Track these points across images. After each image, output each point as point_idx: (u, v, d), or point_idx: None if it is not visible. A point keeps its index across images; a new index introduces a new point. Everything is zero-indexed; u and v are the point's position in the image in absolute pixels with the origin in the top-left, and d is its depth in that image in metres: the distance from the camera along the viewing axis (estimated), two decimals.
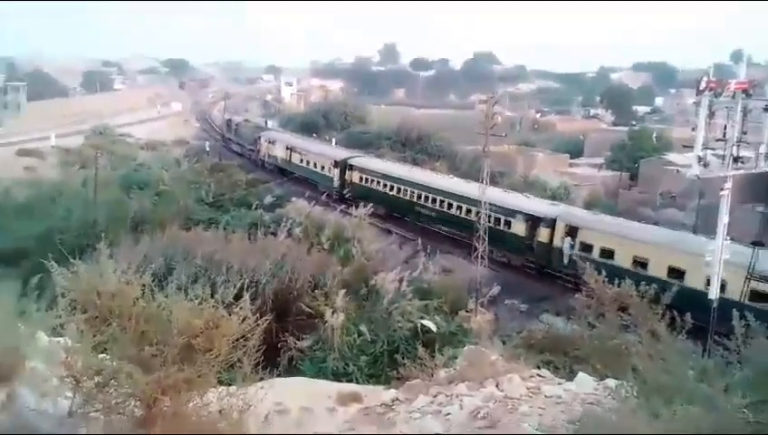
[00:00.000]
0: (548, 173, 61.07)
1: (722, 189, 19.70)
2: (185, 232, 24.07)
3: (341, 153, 56.25)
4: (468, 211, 36.87)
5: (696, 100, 19.50)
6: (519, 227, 33.78)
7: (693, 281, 23.78)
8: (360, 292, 18.62)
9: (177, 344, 6.13)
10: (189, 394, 6.16)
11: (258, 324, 6.93)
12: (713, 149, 19.20)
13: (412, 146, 71.59)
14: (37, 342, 6.33)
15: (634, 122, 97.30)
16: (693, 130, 20.50)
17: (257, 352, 7.01)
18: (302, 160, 58.18)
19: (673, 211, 49.93)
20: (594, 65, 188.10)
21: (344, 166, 51.21)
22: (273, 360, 14.14)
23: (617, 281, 14.15)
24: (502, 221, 34.66)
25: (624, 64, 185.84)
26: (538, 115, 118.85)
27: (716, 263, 19.32)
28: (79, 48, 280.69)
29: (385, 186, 45.92)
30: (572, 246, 31.10)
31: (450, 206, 39.40)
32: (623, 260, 28.00)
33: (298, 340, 16.32)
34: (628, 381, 7.30)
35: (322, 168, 54.44)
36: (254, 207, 36.32)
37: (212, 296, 7.04)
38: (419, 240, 34.71)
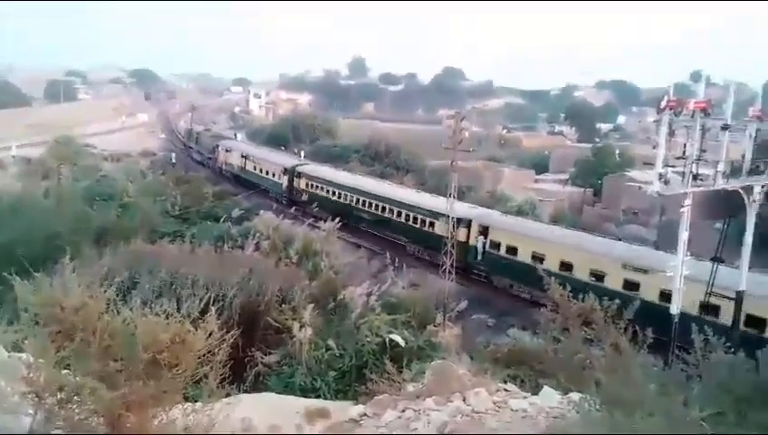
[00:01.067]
0: (514, 188, 61.91)
1: (682, 206, 20.25)
2: (150, 245, 23.68)
3: (290, 161, 60.05)
4: (399, 214, 41.27)
5: (657, 118, 20.02)
6: (441, 228, 35.77)
7: (580, 274, 28.69)
8: (328, 306, 18.48)
9: (143, 360, 6.04)
10: (154, 410, 6.06)
11: (224, 339, 6.87)
12: (673, 166, 19.72)
13: (381, 160, 71.98)
14: None
15: (597, 139, 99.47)
16: (654, 147, 21.04)
17: (224, 367, 6.95)
18: (255, 168, 61.89)
19: (636, 227, 51.02)
20: (559, 82, 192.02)
21: (292, 173, 54.77)
22: (239, 375, 14.00)
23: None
24: (427, 222, 38.46)
25: (587, 82, 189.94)
26: (505, 131, 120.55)
27: (677, 278, 19.80)
28: (43, 56, 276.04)
29: (328, 191, 49.43)
30: (485, 245, 34.92)
31: (384, 209, 43.00)
32: (525, 256, 31.89)
33: (265, 355, 16.13)
34: (592, 394, 7.44)
35: (273, 174, 58.09)
36: (221, 219, 35.95)
37: (178, 311, 6.97)
38: (387, 254, 34.81)
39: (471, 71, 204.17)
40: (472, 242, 35.90)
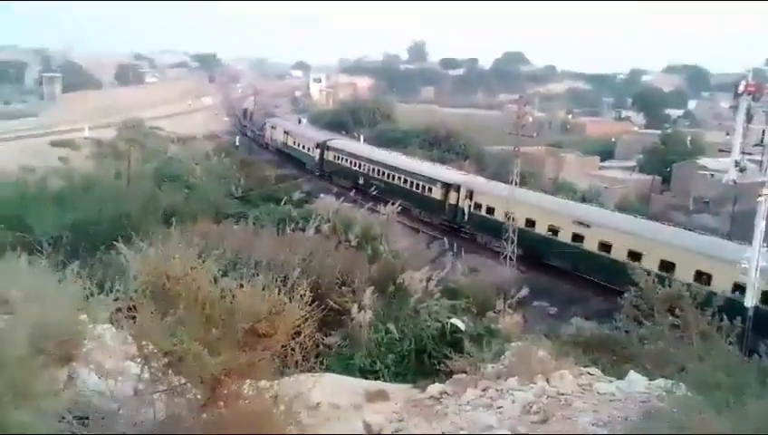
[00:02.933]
0: (578, 175, 60.47)
1: (759, 195, 19.34)
2: (215, 225, 24.29)
3: (322, 136, 66.03)
4: (405, 181, 46.88)
5: (734, 103, 19.25)
6: (437, 193, 42.91)
7: (540, 229, 34.32)
8: (387, 290, 18.54)
9: (242, 329, 6.22)
10: (249, 379, 6.26)
11: (314, 312, 7.02)
12: (749, 154, 18.90)
13: (440, 145, 71.51)
14: (95, 326, 6.46)
15: (666, 126, 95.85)
16: (727, 134, 20.24)
17: (309, 341, 7.11)
18: (294, 143, 68.70)
19: (707, 217, 49.08)
20: (625, 67, 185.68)
21: (323, 146, 60.54)
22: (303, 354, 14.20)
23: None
24: (426, 188, 44.22)
25: (656, 66, 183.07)
26: (569, 116, 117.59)
27: (753, 269, 18.98)
28: (110, 41, 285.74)
29: (351, 162, 55.23)
30: (470, 206, 40.14)
31: (392, 177, 48.70)
32: (500, 215, 36.79)
33: (325, 336, 16.32)
34: (680, 380, 7.29)
35: (308, 149, 64.17)
36: (282, 202, 36.55)
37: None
38: (445, 239, 34.67)
39: (533, 55, 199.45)
40: (461, 204, 40.91)
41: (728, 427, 5.68)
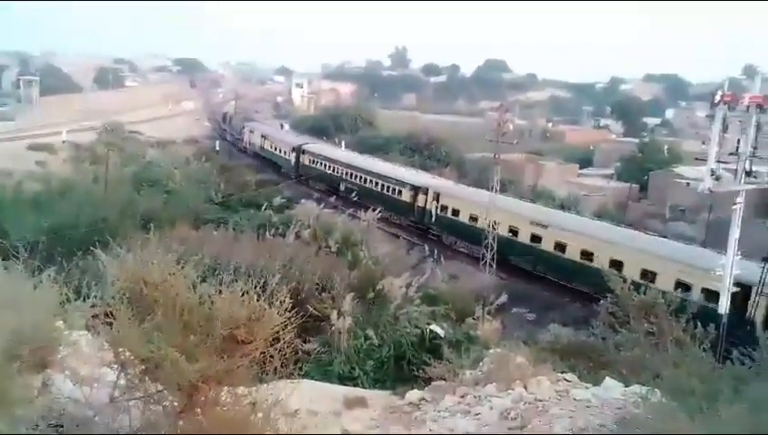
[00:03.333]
0: (557, 182, 61.00)
1: (734, 204, 19.67)
2: (194, 231, 24.14)
3: (298, 140, 67.79)
4: (377, 184, 48.74)
5: (710, 113, 19.54)
6: (406, 195, 45.16)
7: (502, 230, 35.28)
8: (367, 296, 18.56)
9: (220, 335, 6.20)
10: (226, 386, 6.24)
11: (294, 319, 7.01)
12: (725, 162, 19.20)
13: (421, 152, 71.74)
14: (71, 332, 6.41)
15: (644, 134, 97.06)
16: (704, 143, 20.54)
17: (288, 347, 7.10)
18: (271, 146, 70.25)
19: (683, 225, 49.75)
20: (605, 75, 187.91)
21: (299, 150, 62.41)
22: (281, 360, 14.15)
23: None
24: (396, 190, 46.44)
25: (635, 75, 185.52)
26: (549, 124, 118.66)
27: (727, 277, 19.29)
28: (90, 45, 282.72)
29: (326, 166, 57.04)
30: (437, 208, 41.80)
31: (365, 180, 50.38)
32: (465, 217, 39.09)
33: (305, 343, 16.28)
34: (654, 386, 7.41)
35: (284, 152, 65.83)
36: (263, 208, 36.40)
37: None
38: (426, 246, 34.78)
39: (515, 63, 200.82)
40: (428, 206, 42.62)
41: (702, 433, 5.80)
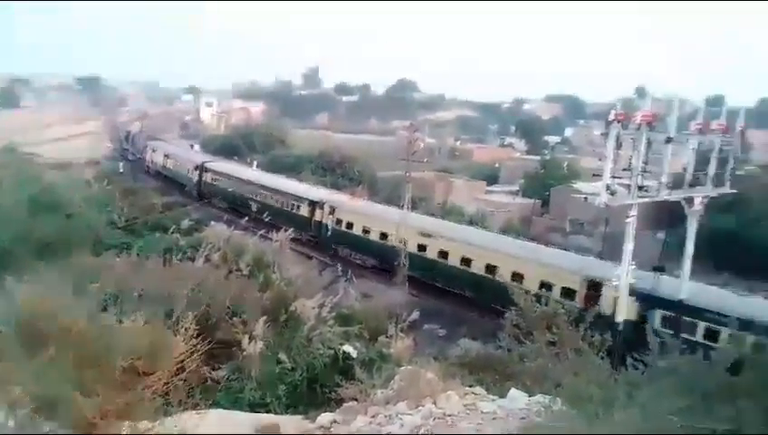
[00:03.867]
0: (466, 199, 62.67)
1: (627, 217, 20.90)
2: (95, 258, 22.99)
3: (201, 158, 68.96)
4: (284, 203, 49.57)
5: (605, 131, 20.70)
6: (304, 210, 46.63)
7: (392, 240, 37.71)
8: (279, 319, 18.29)
9: (120, 367, 5.94)
10: (127, 421, 5.96)
11: (200, 346, 6.84)
12: (619, 178, 20.38)
13: (333, 171, 71.85)
14: None
15: (546, 152, 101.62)
16: (600, 160, 21.73)
17: (194, 376, 6.90)
18: (173, 165, 70.44)
19: (582, 238, 52.27)
20: (509, 96, 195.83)
21: (202, 168, 62.95)
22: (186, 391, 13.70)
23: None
24: (295, 206, 47.92)
25: (536, 96, 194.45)
26: (457, 143, 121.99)
27: (623, 287, 20.40)
28: None
29: (231, 185, 57.58)
30: (333, 222, 43.54)
31: (266, 197, 51.52)
32: (358, 230, 41.16)
33: (213, 370, 15.82)
34: (556, 395, 7.70)
35: (187, 170, 66.08)
36: (170, 231, 35.12)
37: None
38: (339, 266, 34.74)
39: (424, 83, 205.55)
40: (324, 220, 44.51)
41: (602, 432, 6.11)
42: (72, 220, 39.32)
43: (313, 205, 46.17)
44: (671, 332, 21.60)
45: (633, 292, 21.92)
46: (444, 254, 35.25)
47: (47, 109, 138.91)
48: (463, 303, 32.82)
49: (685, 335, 21.16)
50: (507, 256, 31.87)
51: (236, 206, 54.57)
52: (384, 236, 39.10)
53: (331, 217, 43.96)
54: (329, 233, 43.69)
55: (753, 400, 6.40)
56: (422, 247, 36.58)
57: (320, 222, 44.67)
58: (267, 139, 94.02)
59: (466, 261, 33.57)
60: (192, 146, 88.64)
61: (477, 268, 32.42)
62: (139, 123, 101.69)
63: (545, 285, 28.80)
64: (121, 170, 73.79)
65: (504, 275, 29.48)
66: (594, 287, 27.35)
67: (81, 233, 34.32)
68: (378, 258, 39.54)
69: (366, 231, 40.51)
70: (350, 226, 42.17)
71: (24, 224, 35.13)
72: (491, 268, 31.70)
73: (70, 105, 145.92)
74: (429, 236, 36.53)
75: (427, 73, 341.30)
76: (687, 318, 24.23)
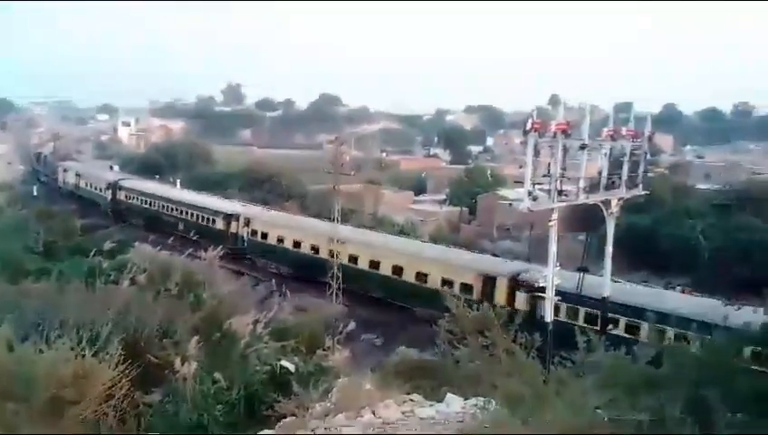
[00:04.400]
0: (395, 210, 63.25)
1: (549, 221, 21.65)
2: (12, 285, 21.75)
3: (113, 176, 69.63)
4: (193, 215, 51.60)
5: (523, 139, 21.37)
6: (220, 223, 48.47)
7: (305, 249, 40.82)
8: (212, 337, 17.86)
9: (44, 398, 5.64)
10: None
11: (129, 370, 6.62)
12: (540, 184, 21.08)
13: (261, 186, 70.96)
14: None
15: (470, 161, 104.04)
16: (521, 167, 22.44)
17: (124, 402, 6.65)
18: (86, 184, 70.92)
19: (509, 242, 53.70)
20: (431, 107, 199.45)
21: (115, 186, 63.79)
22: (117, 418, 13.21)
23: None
24: (210, 220, 49.44)
25: (457, 107, 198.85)
26: (383, 154, 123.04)
27: (550, 288, 21.08)
28: None
29: (142, 201, 59.10)
30: (248, 233, 45.44)
31: (182, 212, 53.16)
32: (273, 239, 43.46)
33: (146, 394, 15.26)
34: (491, 397, 7.88)
35: (100, 189, 66.68)
36: (91, 254, 33.70)
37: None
38: (273, 281, 34.29)
39: (347, 97, 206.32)
40: (240, 232, 46.09)
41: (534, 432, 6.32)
42: None
43: (229, 218, 47.99)
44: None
45: (560, 292, 22.70)
46: (355, 259, 37.01)
47: None
48: (395, 312, 33.07)
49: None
50: (412, 257, 34.03)
51: (152, 223, 55.14)
52: (297, 244, 41.47)
53: (246, 228, 45.80)
54: (245, 244, 45.42)
55: (673, 390, 6.76)
56: (334, 255, 37.38)
57: (235, 234, 46.34)
58: (190, 156, 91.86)
59: (375, 264, 35.50)
60: (111, 167, 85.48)
61: (385, 270, 34.65)
62: (51, 145, 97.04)
63: (447, 282, 31.15)
64: (35, 194, 70.44)
65: (409, 276, 32.12)
66: (489, 281, 30.56)
67: None
68: (293, 266, 41.08)
69: (280, 240, 42.59)
70: (264, 236, 44.19)
71: None
72: (397, 270, 34.13)
73: None
74: (342, 242, 37.78)
75: (350, 87, 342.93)
76: (612, 314, 25.46)
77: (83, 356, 6.19)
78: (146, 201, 58.78)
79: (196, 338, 16.70)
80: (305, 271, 39.43)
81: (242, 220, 46.50)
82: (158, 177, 74.81)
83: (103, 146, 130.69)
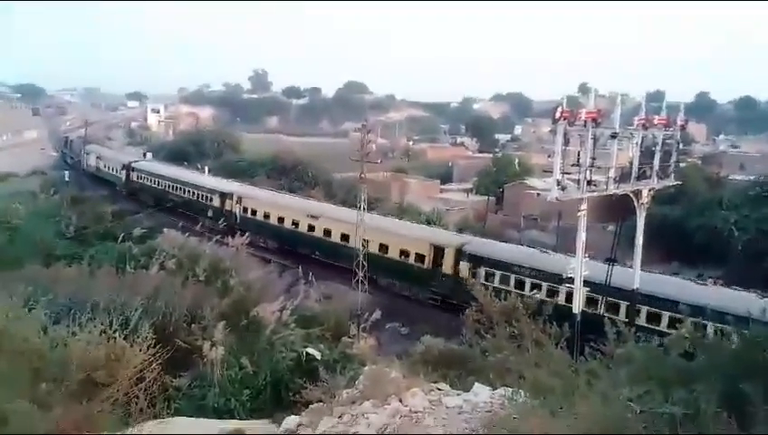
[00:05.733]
0: (421, 199, 63.09)
1: (578, 211, 21.34)
2: (45, 269, 22.23)
3: (128, 158, 73.94)
4: (200, 196, 54.67)
5: (553, 128, 21.05)
6: (216, 201, 51.85)
7: (287, 224, 44.21)
8: (240, 324, 18.05)
9: (76, 379, 5.73)
10: (87, 432, 5.76)
11: (159, 354, 6.67)
12: (569, 173, 20.78)
13: (287, 174, 71.29)
14: None
15: (497, 150, 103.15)
16: (549, 156, 22.12)
17: (154, 385, 6.72)
18: (105, 166, 75.12)
19: (536, 232, 53.23)
20: (458, 95, 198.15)
21: (128, 168, 67.91)
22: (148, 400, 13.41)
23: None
24: (208, 198, 53.08)
25: (485, 95, 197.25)
26: (410, 143, 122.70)
27: (578, 278, 20.82)
28: None
29: (152, 181, 62.97)
30: (240, 210, 48.69)
31: (185, 191, 56.91)
32: (260, 215, 46.41)
33: (174, 378, 15.49)
34: (519, 387, 7.80)
35: (116, 170, 71.01)
36: (121, 239, 34.23)
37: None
38: (299, 268, 34.51)
39: (373, 84, 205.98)
40: (233, 209, 49.28)
41: (562, 428, 6.21)
42: (18, 233, 38.05)
43: (224, 196, 51.31)
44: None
45: (588, 283, 22.42)
46: (328, 232, 41.03)
47: None
48: (420, 301, 33.15)
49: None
50: (376, 231, 36.46)
51: (159, 200, 59.16)
52: (281, 220, 44.89)
53: (238, 205, 49.27)
54: (237, 220, 48.39)
55: (708, 383, 6.60)
56: (311, 228, 42.25)
57: (230, 211, 49.55)
58: (218, 144, 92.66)
59: (345, 237, 38.89)
60: (144, 154, 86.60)
61: (353, 243, 36.99)
62: (81, 131, 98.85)
63: (404, 253, 36.02)
64: (67, 179, 71.72)
65: (373, 248, 35.32)
66: (438, 252, 34.31)
67: (29, 245, 33.25)
68: (277, 240, 44.26)
69: (266, 216, 46.06)
70: (254, 212, 47.74)
71: None
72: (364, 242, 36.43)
73: (6, 115, 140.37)
74: (316, 217, 42.35)
75: (376, 74, 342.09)
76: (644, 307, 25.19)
77: (114, 339, 6.25)
78: (154, 181, 62.81)
79: (222, 323, 16.93)
80: (288, 244, 43.43)
81: (235, 198, 49.95)
82: (186, 164, 75.59)
83: (133, 133, 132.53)
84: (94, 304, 16.99)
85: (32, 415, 5.38)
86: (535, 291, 28.26)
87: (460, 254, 33.68)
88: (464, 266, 32.93)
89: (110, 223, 45.20)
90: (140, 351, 6.55)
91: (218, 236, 31.76)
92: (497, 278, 31.05)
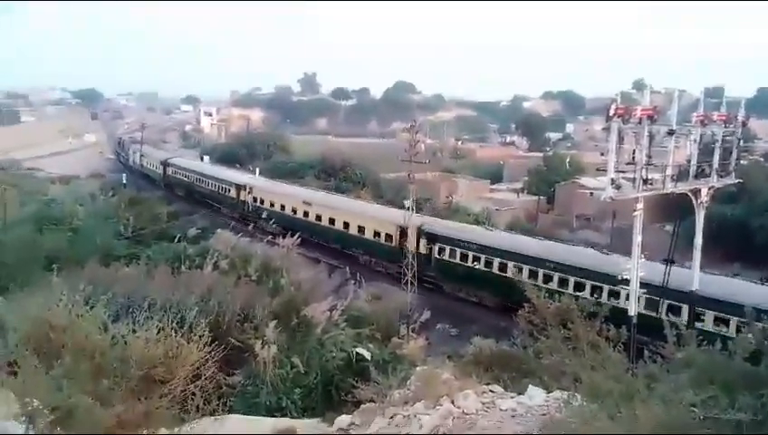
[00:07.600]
0: (470, 199, 62.59)
1: (634, 210, 20.75)
2: (104, 268, 22.97)
3: (165, 155, 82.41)
4: (221, 188, 61.84)
5: (606, 126, 20.50)
6: (233, 192, 58.71)
7: (287, 211, 50.62)
8: (291, 323, 18.24)
9: (136, 376, 5.88)
10: (146, 428, 5.90)
11: (214, 352, 6.78)
12: (623, 172, 20.23)
13: (336, 174, 71.84)
14: None
15: (548, 148, 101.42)
16: (602, 154, 21.54)
17: (210, 382, 6.82)
18: (147, 163, 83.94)
19: (589, 232, 52.10)
20: (507, 94, 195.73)
21: (165, 164, 75.98)
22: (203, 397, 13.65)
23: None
24: (227, 189, 60.05)
25: (534, 93, 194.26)
26: (459, 143, 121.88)
27: (634, 280, 20.25)
28: None
29: (184, 175, 70.88)
30: (251, 200, 55.25)
31: (208, 184, 64.37)
32: (268, 205, 52.67)
33: (228, 376, 15.76)
34: (574, 391, 7.61)
35: (155, 166, 79.36)
36: (176, 239, 35.11)
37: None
38: (348, 268, 34.71)
39: (422, 84, 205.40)
40: (246, 199, 55.61)
41: (621, 432, 6.03)
42: (78, 233, 39.48)
43: (239, 187, 57.63)
44: None
45: (645, 284, 21.76)
46: (319, 217, 47.43)
47: (46, 124, 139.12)
48: (469, 301, 32.89)
49: None
50: (355, 215, 44.58)
51: (189, 192, 68.37)
52: (283, 207, 51.18)
53: (249, 195, 55.51)
54: (249, 209, 54.63)
55: None
56: (306, 214, 48.44)
57: (244, 201, 56.09)
58: (268, 146, 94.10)
59: (332, 221, 45.88)
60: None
61: (339, 225, 45.16)
62: (138, 135, 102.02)
63: (377, 233, 42.31)
64: (125, 182, 74.10)
65: (353, 229, 43.73)
66: (403, 232, 37.91)
67: (88, 245, 34.42)
68: (280, 224, 46.48)
69: (272, 204, 52.35)
70: (261, 202, 54.05)
71: (30, 238, 35.23)
72: (346, 224, 44.88)
73: (67, 119, 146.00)
74: (310, 204, 48.69)
75: (425, 74, 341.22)
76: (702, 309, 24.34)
77: (172, 337, 6.38)
78: (185, 175, 70.50)
79: (273, 323, 17.14)
80: (290, 228, 44.29)
81: (247, 189, 56.12)
82: (238, 166, 77.07)
83: (187, 135, 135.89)
84: (151, 302, 17.45)
85: (94, 410, 5.52)
86: (476, 263, 34.59)
87: (420, 232, 38.43)
88: (422, 243, 37.95)
89: (166, 224, 46.44)
90: (197, 349, 6.66)
91: (269, 237, 32.31)
92: (447, 252, 37.08)
